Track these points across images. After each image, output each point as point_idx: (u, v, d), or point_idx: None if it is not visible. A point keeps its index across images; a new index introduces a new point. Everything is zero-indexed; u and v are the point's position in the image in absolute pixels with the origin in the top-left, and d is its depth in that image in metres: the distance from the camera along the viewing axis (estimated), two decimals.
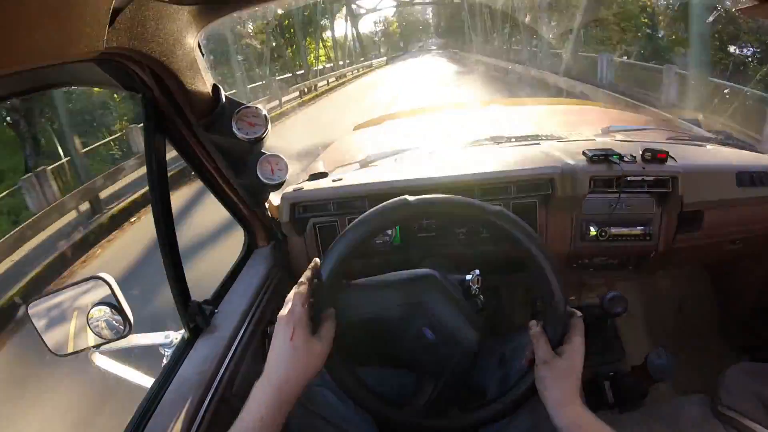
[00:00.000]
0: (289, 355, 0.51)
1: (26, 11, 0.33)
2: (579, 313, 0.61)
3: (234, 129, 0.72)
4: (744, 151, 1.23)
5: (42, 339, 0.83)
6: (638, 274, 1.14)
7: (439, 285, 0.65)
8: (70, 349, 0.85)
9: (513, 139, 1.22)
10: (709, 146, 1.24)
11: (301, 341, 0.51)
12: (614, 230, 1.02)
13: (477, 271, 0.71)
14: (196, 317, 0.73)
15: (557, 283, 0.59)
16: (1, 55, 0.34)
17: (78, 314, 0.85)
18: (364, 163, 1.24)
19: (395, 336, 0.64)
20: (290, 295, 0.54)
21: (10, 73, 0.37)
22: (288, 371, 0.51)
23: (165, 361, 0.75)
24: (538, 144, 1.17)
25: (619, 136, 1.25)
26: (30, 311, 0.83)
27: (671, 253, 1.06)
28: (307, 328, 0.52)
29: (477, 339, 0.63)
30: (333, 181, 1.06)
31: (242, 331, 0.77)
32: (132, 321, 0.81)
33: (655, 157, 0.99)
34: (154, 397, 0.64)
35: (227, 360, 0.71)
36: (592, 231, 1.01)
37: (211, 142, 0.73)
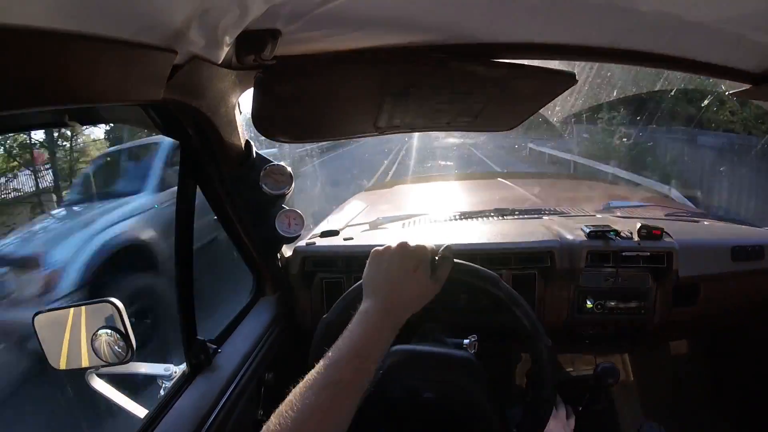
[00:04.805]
0: (410, 281, 0.55)
1: (100, 58, 0.39)
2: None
3: (261, 183, 0.78)
4: (739, 226, 1.27)
5: (42, 349, 0.85)
6: (635, 347, 1.15)
7: None
8: (69, 365, 0.87)
9: (516, 212, 1.27)
10: (706, 221, 1.29)
11: (423, 274, 0.57)
12: (610, 303, 1.04)
13: (475, 336, 0.74)
14: (200, 354, 0.75)
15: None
16: (75, 92, 0.39)
17: (83, 333, 0.88)
18: (374, 225, 1.29)
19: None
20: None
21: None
22: (402, 295, 0.54)
23: (162, 392, 0.76)
24: (540, 218, 1.22)
25: (618, 212, 1.31)
26: (35, 321, 0.86)
27: (667, 327, 1.08)
28: (429, 267, 0.58)
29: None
30: (344, 239, 1.11)
31: (240, 374, 0.78)
32: (135, 348, 0.83)
33: (651, 233, 1.04)
34: (148, 427, 0.65)
35: (223, 400, 0.73)
36: (589, 304, 1.04)
37: (238, 191, 0.78)
